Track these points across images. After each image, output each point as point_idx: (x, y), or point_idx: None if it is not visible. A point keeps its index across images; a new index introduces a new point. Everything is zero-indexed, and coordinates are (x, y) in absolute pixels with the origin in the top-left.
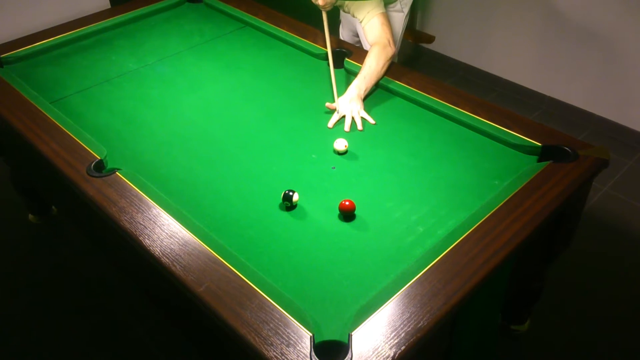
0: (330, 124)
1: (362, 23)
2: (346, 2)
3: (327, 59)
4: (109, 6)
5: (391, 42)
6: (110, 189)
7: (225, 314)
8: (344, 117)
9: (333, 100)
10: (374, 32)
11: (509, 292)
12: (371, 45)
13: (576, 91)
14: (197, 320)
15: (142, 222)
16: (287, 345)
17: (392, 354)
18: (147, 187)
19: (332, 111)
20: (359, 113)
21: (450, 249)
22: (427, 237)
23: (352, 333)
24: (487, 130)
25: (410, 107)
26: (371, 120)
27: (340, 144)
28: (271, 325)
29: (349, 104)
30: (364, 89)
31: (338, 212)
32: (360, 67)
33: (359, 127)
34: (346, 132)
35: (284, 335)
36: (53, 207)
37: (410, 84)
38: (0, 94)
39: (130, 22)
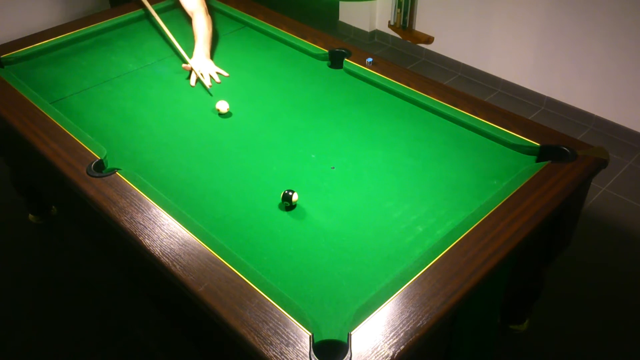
0: (192, 82)
1: None
2: None
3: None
4: (109, 7)
5: (207, 10)
6: (110, 189)
7: (225, 313)
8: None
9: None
10: (192, 1)
11: (508, 292)
12: (193, 13)
13: (575, 91)
14: (197, 319)
15: (142, 222)
16: (287, 345)
17: (391, 354)
18: (146, 187)
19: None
20: (213, 69)
21: (450, 249)
22: (426, 237)
23: (352, 332)
24: (486, 130)
25: (409, 108)
26: (225, 73)
27: (223, 106)
28: (271, 324)
29: (204, 64)
30: (208, 50)
31: (337, 212)
32: (356, 67)
33: (217, 80)
34: (209, 87)
35: (283, 335)
36: (53, 207)
37: (409, 84)
38: (0, 94)
39: (129, 22)
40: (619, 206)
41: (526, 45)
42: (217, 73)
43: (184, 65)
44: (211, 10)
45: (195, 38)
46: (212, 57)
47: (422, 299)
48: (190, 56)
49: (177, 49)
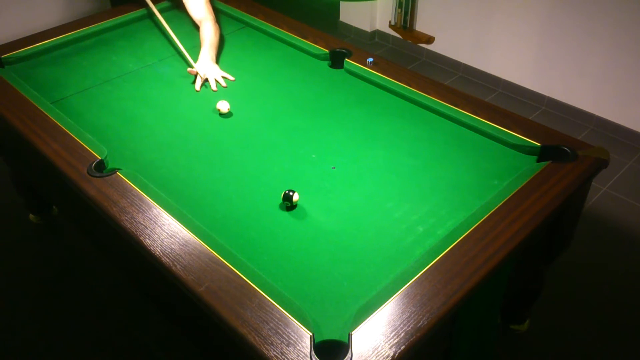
0: (197, 87)
1: None
2: None
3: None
4: (110, 7)
5: (215, 19)
6: (110, 189)
7: (226, 313)
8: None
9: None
10: (200, 10)
11: (508, 292)
12: (202, 21)
13: (576, 91)
14: (197, 319)
15: (142, 222)
16: (287, 345)
17: (392, 354)
18: (147, 187)
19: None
20: (219, 73)
21: (450, 249)
22: (427, 237)
23: (352, 332)
24: (487, 130)
25: (410, 108)
26: (231, 77)
27: (224, 106)
28: (271, 324)
29: (209, 68)
30: (214, 55)
31: (338, 212)
32: (357, 67)
33: (223, 84)
34: (214, 91)
35: (284, 335)
36: (53, 207)
37: (410, 84)
38: (0, 94)
39: (130, 22)
40: (619, 206)
41: (527, 45)
42: (223, 77)
43: (189, 69)
44: (213, 11)
45: (201, 43)
46: (217, 60)
47: (423, 299)
48: (196, 60)
49: (182, 51)
